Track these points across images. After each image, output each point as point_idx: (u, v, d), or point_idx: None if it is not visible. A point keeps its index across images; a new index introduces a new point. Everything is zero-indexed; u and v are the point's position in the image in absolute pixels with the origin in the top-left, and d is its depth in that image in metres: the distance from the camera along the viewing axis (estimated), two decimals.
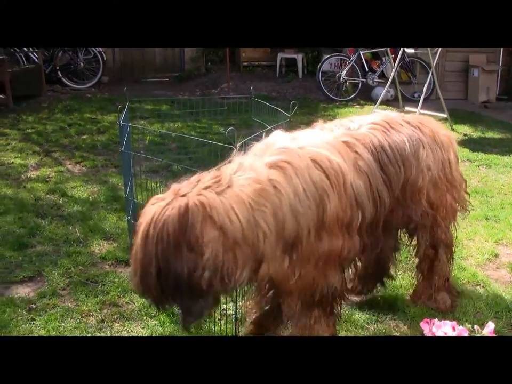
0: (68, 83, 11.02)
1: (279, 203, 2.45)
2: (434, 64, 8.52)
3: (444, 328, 2.31)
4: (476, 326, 2.26)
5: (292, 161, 2.54)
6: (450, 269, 3.58)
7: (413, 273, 3.83)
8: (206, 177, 2.44)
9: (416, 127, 3.17)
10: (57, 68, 10.95)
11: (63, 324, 3.33)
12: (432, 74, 8.63)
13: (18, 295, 3.67)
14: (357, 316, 3.46)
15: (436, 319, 2.32)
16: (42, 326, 3.31)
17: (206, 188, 2.36)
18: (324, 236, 2.60)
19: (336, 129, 2.92)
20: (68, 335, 3.21)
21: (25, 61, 10.65)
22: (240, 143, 2.95)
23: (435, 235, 3.36)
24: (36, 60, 10.53)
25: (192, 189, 2.36)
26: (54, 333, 3.23)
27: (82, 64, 11.09)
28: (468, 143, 7.48)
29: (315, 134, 2.87)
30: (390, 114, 3.33)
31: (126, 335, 3.25)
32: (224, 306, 3.52)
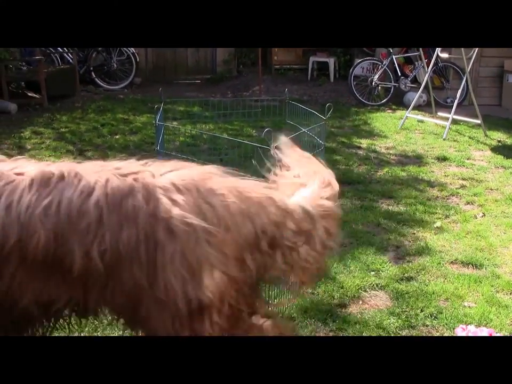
0: (101, 84, 11.15)
1: None
2: (468, 70, 8.43)
3: (480, 335, 2.29)
4: None
5: None
6: None
7: (445, 280, 3.81)
8: None
9: None
10: (91, 68, 11.09)
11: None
12: (466, 79, 8.53)
13: None
14: (388, 321, 3.42)
15: (472, 326, 2.30)
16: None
17: None
18: None
19: None
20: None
21: (60, 62, 10.82)
22: (275, 144, 2.95)
23: None
24: (71, 60, 10.68)
25: None
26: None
27: (115, 65, 11.21)
28: (502, 149, 7.37)
29: None
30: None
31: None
32: None
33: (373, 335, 3.26)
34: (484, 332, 2.25)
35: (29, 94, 9.76)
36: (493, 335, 2.20)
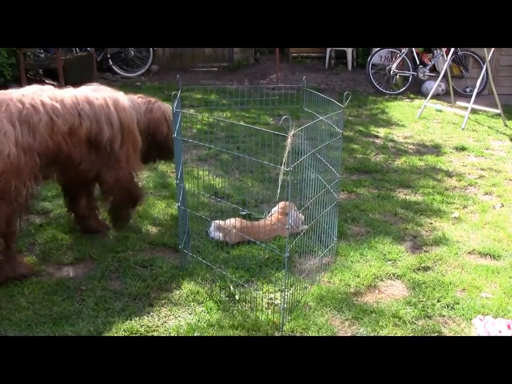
0: (119, 71, 11.17)
1: None
2: (489, 58, 8.32)
3: (498, 325, 2.27)
4: None
5: None
6: None
7: (462, 270, 3.78)
8: None
9: None
10: (108, 56, 11.11)
11: (111, 306, 3.38)
12: (486, 68, 8.42)
13: (69, 276, 3.75)
14: (404, 311, 3.41)
15: (490, 316, 2.27)
16: (91, 307, 3.36)
17: None
18: None
19: None
20: (116, 317, 3.26)
21: (77, 49, 10.84)
22: (293, 132, 2.93)
23: None
24: (88, 48, 10.69)
25: None
26: (104, 313, 3.28)
27: (132, 52, 11.21)
28: None
29: None
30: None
31: (174, 321, 3.28)
32: (272, 295, 3.52)
33: (389, 324, 3.25)
34: (501, 322, 2.23)
35: (47, 81, 9.78)
36: (511, 326, 2.18)
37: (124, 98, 4.06)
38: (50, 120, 3.47)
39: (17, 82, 9.16)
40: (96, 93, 3.90)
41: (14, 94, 3.46)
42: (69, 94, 3.73)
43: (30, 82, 9.30)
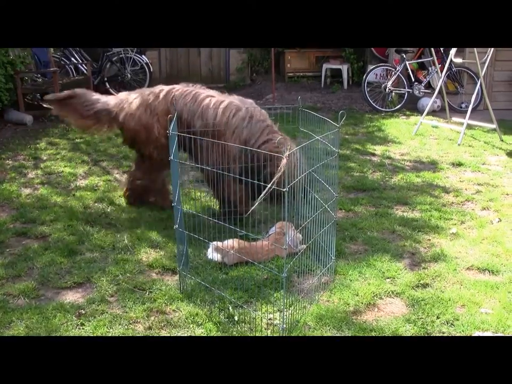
0: (116, 94, 11.22)
1: None
2: (482, 74, 8.38)
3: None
4: None
5: None
6: None
7: (461, 286, 3.78)
8: None
9: None
10: (105, 79, 11.18)
11: (111, 330, 3.38)
12: (480, 84, 8.48)
13: (68, 300, 3.74)
14: (403, 328, 3.40)
15: (489, 332, 2.28)
16: (91, 331, 3.36)
17: None
18: None
19: None
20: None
21: (74, 73, 10.92)
22: (288, 152, 2.96)
23: None
24: (85, 71, 10.77)
25: None
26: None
27: (129, 75, 11.29)
28: None
29: None
30: None
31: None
32: (271, 316, 3.52)
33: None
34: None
35: (44, 106, 9.81)
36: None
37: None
38: None
39: (15, 107, 9.22)
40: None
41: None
42: None
43: (27, 106, 9.39)
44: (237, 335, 3.31)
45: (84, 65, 10.89)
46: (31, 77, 10.21)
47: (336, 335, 3.33)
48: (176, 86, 5.08)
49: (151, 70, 11.41)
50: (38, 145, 7.73)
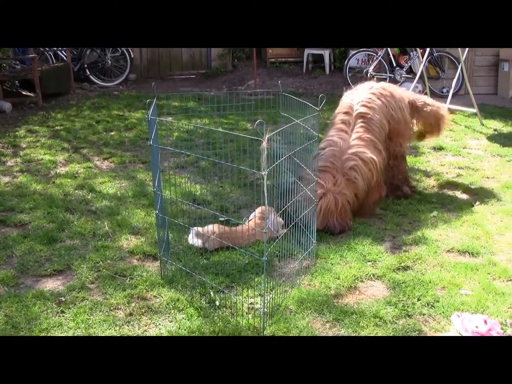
0: (96, 81, 11.14)
1: None
2: (463, 59, 8.40)
3: (475, 321, 2.28)
4: (508, 320, 2.23)
5: None
6: (407, 170, 5.54)
7: (442, 268, 3.79)
8: None
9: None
10: (85, 65, 11.08)
11: (91, 317, 3.35)
12: (461, 69, 8.51)
13: (47, 288, 3.71)
14: (384, 311, 3.42)
15: (467, 313, 2.29)
16: (72, 318, 3.33)
17: None
18: None
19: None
20: (97, 328, 3.24)
21: (54, 60, 10.79)
22: (267, 136, 2.94)
23: (395, 151, 5.21)
24: (65, 58, 10.66)
25: None
26: (83, 325, 3.25)
27: (110, 62, 11.20)
28: (498, 138, 7.37)
29: None
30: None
31: (153, 334, 3.26)
32: (252, 300, 3.51)
33: (370, 324, 3.26)
34: (478, 318, 2.25)
35: (23, 93, 9.75)
36: (487, 321, 2.20)
37: None
38: None
39: None
40: None
41: None
42: None
43: (6, 94, 9.27)
44: (218, 320, 3.31)
45: (63, 51, 10.77)
46: (9, 64, 10.08)
47: (318, 318, 3.33)
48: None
49: (132, 56, 11.32)
50: (17, 133, 7.64)
